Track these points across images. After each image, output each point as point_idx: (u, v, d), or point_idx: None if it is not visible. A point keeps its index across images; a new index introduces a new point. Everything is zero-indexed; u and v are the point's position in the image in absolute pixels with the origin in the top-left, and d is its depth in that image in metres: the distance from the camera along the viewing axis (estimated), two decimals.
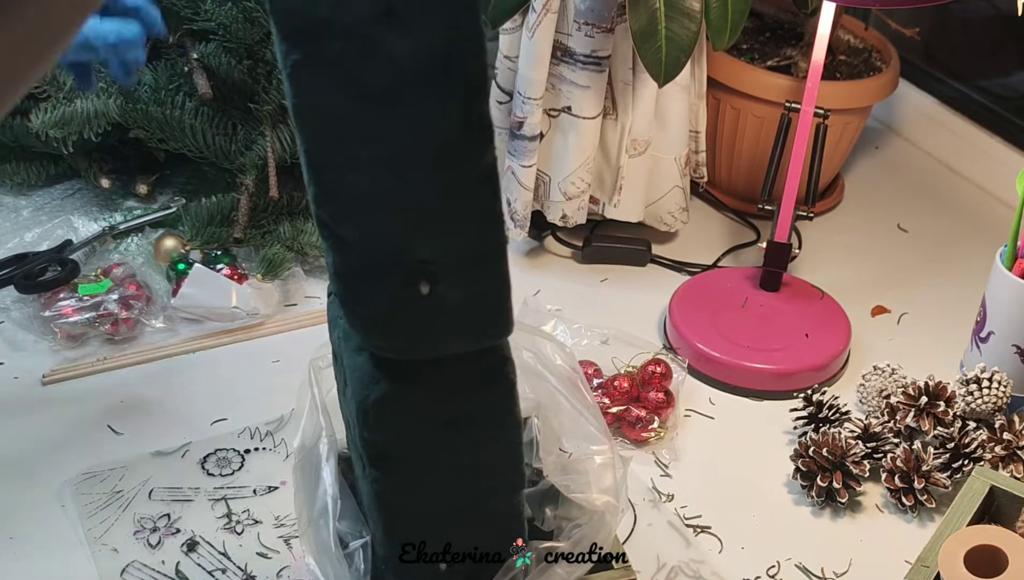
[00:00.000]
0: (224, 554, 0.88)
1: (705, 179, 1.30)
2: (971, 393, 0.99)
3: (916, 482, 0.94)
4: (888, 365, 1.05)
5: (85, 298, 1.09)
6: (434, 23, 0.55)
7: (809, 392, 1.03)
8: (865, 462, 0.96)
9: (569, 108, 1.16)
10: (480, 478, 0.70)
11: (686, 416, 1.05)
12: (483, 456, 0.69)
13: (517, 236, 1.20)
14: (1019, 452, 0.96)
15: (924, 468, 0.95)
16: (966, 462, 0.95)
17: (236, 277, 1.13)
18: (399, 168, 0.58)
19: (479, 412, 0.67)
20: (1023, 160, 1.36)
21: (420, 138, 0.57)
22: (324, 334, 1.07)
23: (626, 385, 1.02)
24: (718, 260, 1.25)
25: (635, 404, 1.01)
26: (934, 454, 0.96)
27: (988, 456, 0.96)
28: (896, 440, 0.99)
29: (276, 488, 0.94)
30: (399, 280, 0.60)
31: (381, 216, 0.59)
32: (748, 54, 1.30)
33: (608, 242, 1.23)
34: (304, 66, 0.56)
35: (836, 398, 1.02)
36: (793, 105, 1.11)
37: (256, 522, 0.91)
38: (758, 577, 0.90)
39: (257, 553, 0.88)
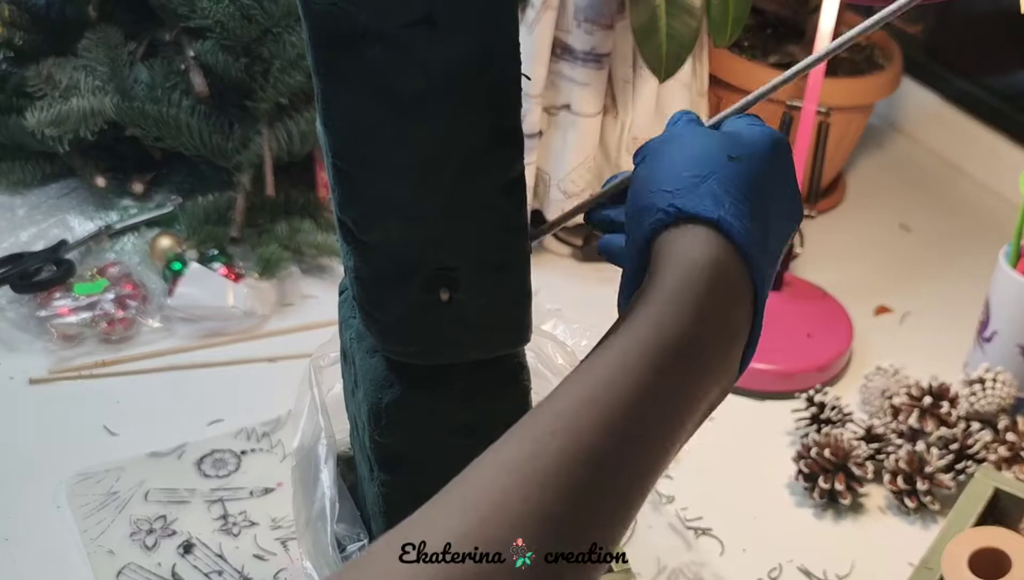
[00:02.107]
0: (220, 556, 0.87)
1: None
2: (975, 394, 0.98)
3: (919, 483, 0.93)
4: (891, 365, 1.05)
5: (81, 298, 1.08)
6: (470, 33, 0.55)
7: (811, 393, 1.02)
8: (868, 463, 0.95)
9: (569, 105, 1.15)
10: None
11: None
12: None
13: None
14: (1023, 453, 0.95)
15: (927, 469, 0.94)
16: (970, 463, 0.95)
17: (232, 276, 1.12)
18: (425, 176, 0.58)
19: (492, 418, 0.67)
20: None
21: (447, 147, 0.57)
22: (322, 334, 1.07)
23: None
24: None
25: None
26: (937, 455, 0.95)
27: (992, 457, 0.95)
28: (899, 441, 0.98)
29: (272, 490, 0.93)
30: (419, 286, 0.60)
31: (405, 223, 0.59)
32: (749, 51, 1.29)
33: None
34: (337, 71, 0.55)
35: (839, 399, 1.01)
36: (795, 103, 1.10)
37: (252, 524, 0.90)
38: (759, 579, 0.89)
39: (253, 555, 0.88)
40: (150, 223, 1.21)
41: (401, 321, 0.61)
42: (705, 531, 0.93)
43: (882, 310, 1.20)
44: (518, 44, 0.57)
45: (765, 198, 0.54)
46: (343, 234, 0.60)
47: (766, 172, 0.55)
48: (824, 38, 1.06)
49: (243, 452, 0.97)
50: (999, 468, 0.94)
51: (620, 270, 0.57)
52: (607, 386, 0.47)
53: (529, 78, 1.10)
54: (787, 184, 0.56)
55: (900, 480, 0.94)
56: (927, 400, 0.98)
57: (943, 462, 0.95)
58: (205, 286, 1.10)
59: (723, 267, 0.51)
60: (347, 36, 0.54)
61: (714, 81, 1.25)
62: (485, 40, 0.55)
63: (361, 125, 0.57)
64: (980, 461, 0.94)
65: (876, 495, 0.97)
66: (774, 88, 0.59)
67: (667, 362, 0.48)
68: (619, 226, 0.59)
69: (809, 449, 0.95)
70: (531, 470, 0.45)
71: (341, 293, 0.73)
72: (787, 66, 1.27)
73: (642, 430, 0.48)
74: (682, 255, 0.51)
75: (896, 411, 1.00)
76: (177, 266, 1.12)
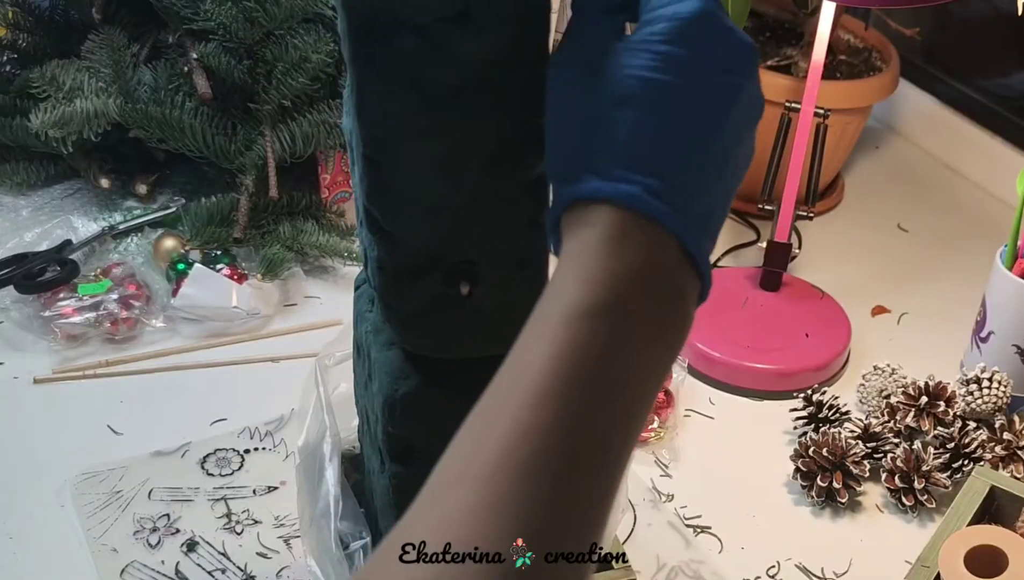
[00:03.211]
0: (224, 554, 0.88)
1: None
2: (971, 393, 0.99)
3: (916, 482, 0.94)
4: (888, 365, 1.05)
5: (85, 298, 1.09)
6: (504, 30, 0.55)
7: (809, 392, 1.03)
8: (865, 462, 0.96)
9: None
10: None
11: (686, 416, 1.05)
12: None
13: None
14: (1019, 452, 0.96)
15: (924, 468, 0.94)
16: (966, 462, 0.95)
17: (236, 277, 1.13)
18: (452, 169, 0.58)
19: None
20: (1023, 160, 1.36)
21: (475, 142, 0.58)
22: (325, 334, 1.07)
23: None
24: (718, 260, 1.25)
25: None
26: (934, 454, 0.96)
27: (988, 456, 0.96)
28: (896, 440, 0.99)
29: (276, 488, 0.94)
30: (440, 279, 0.61)
31: (430, 215, 0.60)
32: None
33: None
34: (372, 62, 0.56)
35: (836, 398, 1.02)
36: (793, 105, 1.11)
37: (256, 522, 0.91)
38: (758, 577, 0.90)
39: (257, 553, 0.88)
40: (154, 224, 1.21)
41: (420, 314, 0.62)
42: (704, 529, 0.93)
43: (879, 310, 1.21)
44: (548, 45, 0.57)
45: (683, 135, 0.46)
46: (368, 224, 0.61)
47: (676, 99, 0.45)
48: (821, 41, 1.07)
49: (246, 451, 0.97)
50: (995, 467, 0.95)
51: None
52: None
53: None
54: (710, 102, 0.46)
55: (897, 479, 0.95)
56: (924, 399, 0.99)
57: (940, 461, 0.96)
58: (209, 287, 1.10)
59: (635, 252, 0.44)
60: (383, 27, 0.55)
61: None
62: (518, 38, 0.56)
63: (392, 116, 0.57)
64: (976, 460, 0.95)
65: (873, 493, 0.97)
66: None
67: (587, 392, 0.43)
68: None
69: (807, 448, 0.96)
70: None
71: (357, 287, 0.73)
72: (786, 68, 1.28)
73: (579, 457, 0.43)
74: (577, 245, 0.45)
75: (893, 410, 1.00)
76: (181, 267, 1.13)
